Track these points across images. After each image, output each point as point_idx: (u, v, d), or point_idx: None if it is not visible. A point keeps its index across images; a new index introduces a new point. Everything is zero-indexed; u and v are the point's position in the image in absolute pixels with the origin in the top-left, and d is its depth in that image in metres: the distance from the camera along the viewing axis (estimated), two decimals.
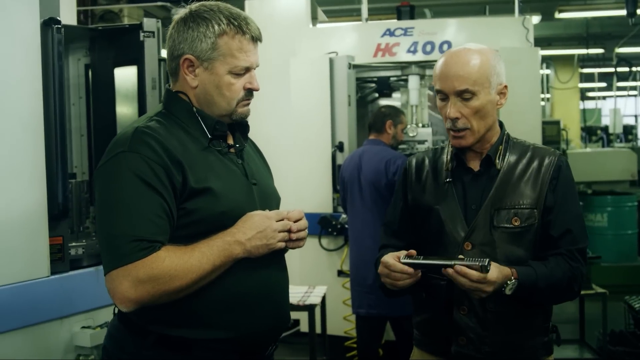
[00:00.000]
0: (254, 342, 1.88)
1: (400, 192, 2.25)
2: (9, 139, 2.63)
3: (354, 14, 8.72)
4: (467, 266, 1.85)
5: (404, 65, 5.42)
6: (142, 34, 3.29)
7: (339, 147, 5.25)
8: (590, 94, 17.70)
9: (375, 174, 4.38)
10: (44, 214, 2.74)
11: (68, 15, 3.71)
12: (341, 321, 5.11)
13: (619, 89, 14.13)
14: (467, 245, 2.04)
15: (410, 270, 1.93)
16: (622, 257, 7.84)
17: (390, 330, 4.59)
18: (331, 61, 5.30)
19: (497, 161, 2.09)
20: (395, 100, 5.82)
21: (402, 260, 1.94)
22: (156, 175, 1.73)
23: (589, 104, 17.19)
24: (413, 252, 1.97)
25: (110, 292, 1.71)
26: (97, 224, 1.82)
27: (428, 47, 5.37)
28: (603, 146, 12.88)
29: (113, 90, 3.54)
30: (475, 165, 2.12)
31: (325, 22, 6.60)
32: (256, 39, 1.88)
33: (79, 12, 6.11)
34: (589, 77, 15.67)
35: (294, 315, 4.29)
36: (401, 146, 5.02)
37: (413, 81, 5.33)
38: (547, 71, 13.97)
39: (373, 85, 5.75)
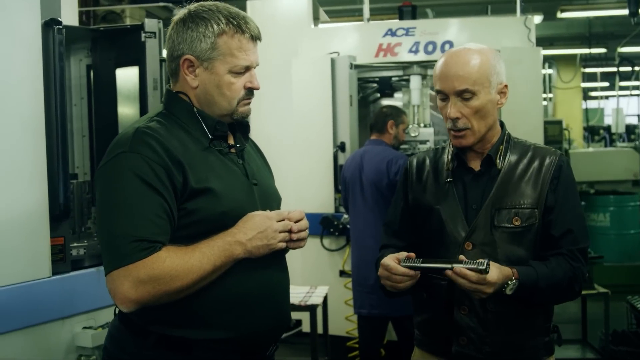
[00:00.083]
0: (255, 343, 1.88)
1: (401, 192, 2.25)
2: (10, 139, 2.63)
3: (356, 14, 8.72)
4: (466, 268, 1.86)
5: (405, 65, 5.42)
6: (143, 35, 3.30)
7: (341, 147, 5.25)
8: (593, 94, 17.68)
9: (376, 174, 4.38)
10: (45, 214, 2.74)
11: (69, 16, 3.71)
12: (343, 321, 5.11)
13: (622, 88, 14.09)
14: (468, 245, 2.04)
15: (412, 272, 1.94)
16: (625, 256, 7.84)
17: (392, 330, 4.59)
18: (333, 61, 5.30)
19: (498, 161, 2.09)
20: (397, 100, 5.82)
21: (403, 264, 1.94)
22: (157, 176, 1.73)
23: (592, 104, 17.18)
24: (412, 254, 1.97)
25: (111, 292, 1.71)
26: (97, 224, 1.82)
27: (430, 47, 5.37)
28: (605, 146, 12.86)
29: (114, 91, 3.55)
30: (476, 165, 2.12)
31: (327, 22, 6.60)
32: (255, 37, 1.88)
33: (81, 13, 6.12)
34: (591, 77, 15.65)
35: (295, 315, 4.29)
36: (403, 146, 5.02)
37: (415, 81, 5.33)
38: (550, 71, 13.95)
39: (375, 85, 5.75)
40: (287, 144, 5.51)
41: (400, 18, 5.76)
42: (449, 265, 1.89)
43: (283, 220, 1.85)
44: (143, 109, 3.34)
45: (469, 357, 2.05)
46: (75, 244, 3.05)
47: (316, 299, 4.05)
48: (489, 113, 2.06)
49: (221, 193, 1.81)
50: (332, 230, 5.15)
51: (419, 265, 1.93)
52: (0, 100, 2.60)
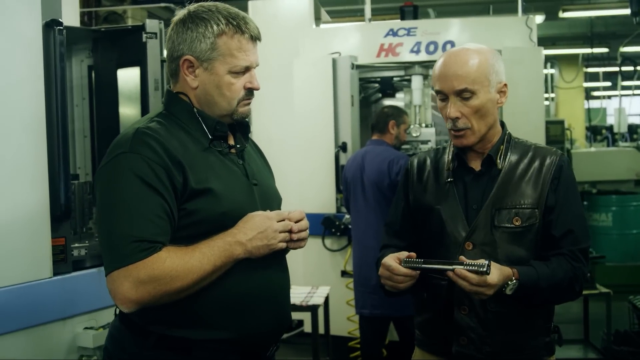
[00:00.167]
0: (255, 343, 1.88)
1: (402, 192, 2.25)
2: (12, 140, 2.64)
3: (357, 14, 8.71)
4: (467, 269, 1.85)
5: (407, 66, 5.42)
6: (144, 35, 3.31)
7: (342, 147, 5.25)
8: (595, 94, 17.64)
9: (378, 174, 4.38)
10: (46, 215, 2.75)
11: (71, 16, 3.72)
12: (344, 321, 5.11)
13: (624, 88, 14.08)
14: (468, 245, 2.04)
15: (413, 273, 1.94)
16: (627, 256, 7.83)
17: (394, 330, 4.59)
18: (334, 61, 5.30)
19: (499, 161, 2.09)
20: (398, 100, 5.82)
21: (404, 265, 1.94)
22: (157, 176, 1.73)
23: (594, 104, 17.14)
24: (413, 254, 1.97)
25: (111, 292, 1.72)
26: (98, 225, 1.82)
27: (431, 47, 5.37)
28: (608, 145, 12.84)
29: (116, 92, 3.55)
30: (476, 165, 2.12)
31: (329, 23, 6.60)
32: (255, 38, 1.88)
33: (82, 14, 6.13)
34: (593, 77, 15.62)
35: (297, 315, 4.30)
36: (404, 146, 5.02)
37: (416, 81, 5.33)
38: (552, 71, 13.93)
39: (376, 85, 5.75)
40: (288, 144, 5.51)
41: (402, 18, 5.76)
42: (450, 267, 1.89)
43: (283, 220, 1.85)
44: (144, 110, 3.34)
45: (470, 357, 2.05)
46: (76, 245, 3.05)
47: (318, 299, 4.05)
48: (488, 112, 2.05)
49: (221, 193, 1.81)
50: (333, 230, 5.15)
51: (420, 265, 1.93)
52: (2, 101, 2.60)
